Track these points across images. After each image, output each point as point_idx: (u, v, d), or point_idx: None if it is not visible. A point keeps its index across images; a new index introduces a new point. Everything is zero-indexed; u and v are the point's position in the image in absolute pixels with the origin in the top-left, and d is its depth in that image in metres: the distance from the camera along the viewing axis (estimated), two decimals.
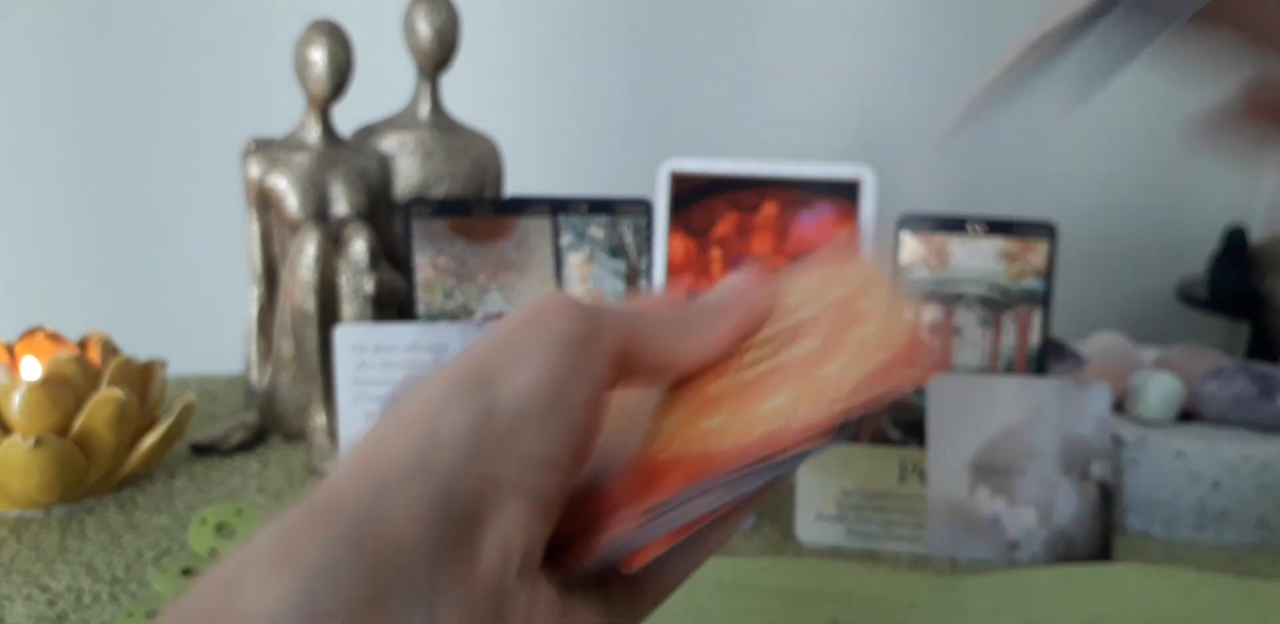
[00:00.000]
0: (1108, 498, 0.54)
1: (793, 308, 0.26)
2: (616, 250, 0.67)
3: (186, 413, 0.62)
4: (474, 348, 0.22)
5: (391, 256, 0.69)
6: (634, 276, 0.67)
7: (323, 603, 0.18)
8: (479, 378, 0.21)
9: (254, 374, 0.69)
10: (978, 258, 0.63)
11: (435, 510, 0.19)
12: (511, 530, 0.20)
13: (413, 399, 0.21)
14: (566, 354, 0.22)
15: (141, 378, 0.61)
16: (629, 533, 0.22)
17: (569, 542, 0.23)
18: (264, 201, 0.67)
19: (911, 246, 0.64)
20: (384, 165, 0.69)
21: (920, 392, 0.64)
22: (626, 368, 0.23)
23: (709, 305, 0.26)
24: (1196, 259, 1.24)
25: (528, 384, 0.21)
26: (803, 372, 0.23)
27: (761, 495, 0.25)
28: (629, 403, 0.26)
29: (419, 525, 0.19)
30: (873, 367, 0.22)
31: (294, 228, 0.66)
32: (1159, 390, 0.59)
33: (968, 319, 0.63)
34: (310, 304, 0.64)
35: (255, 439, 0.68)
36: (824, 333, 0.24)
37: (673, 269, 0.65)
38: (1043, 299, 0.63)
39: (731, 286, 0.27)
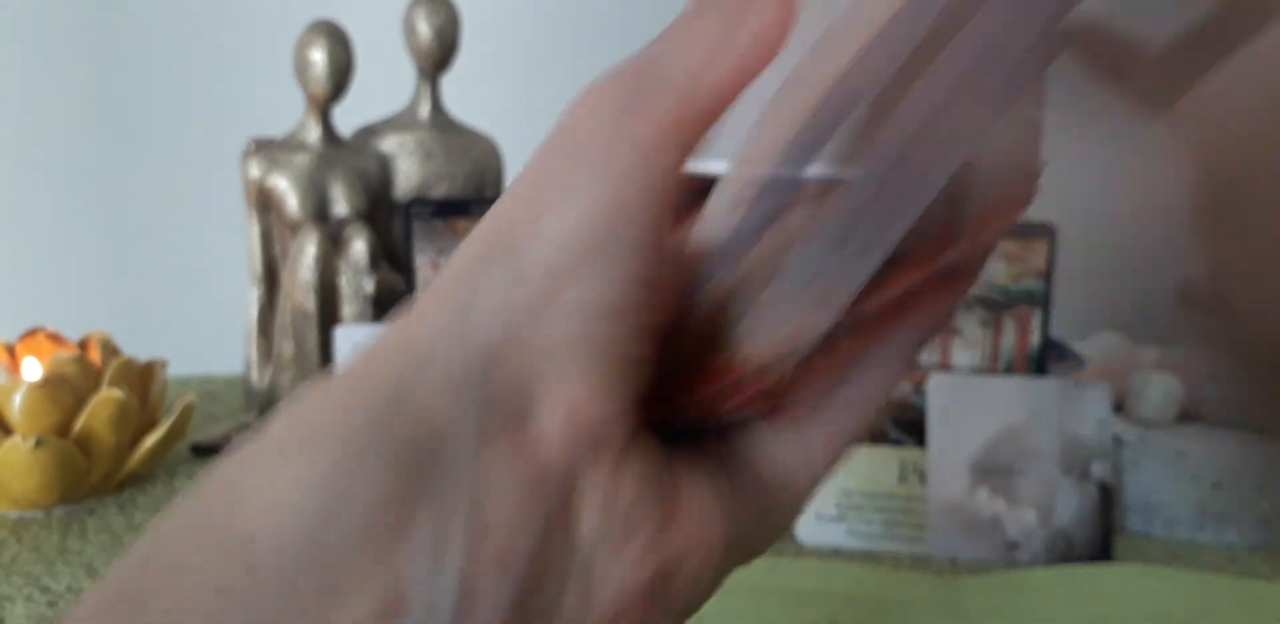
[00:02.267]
0: (1108, 498, 0.54)
1: None
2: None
3: (187, 413, 0.62)
4: (508, 197, 0.18)
5: (392, 257, 0.69)
6: None
7: (344, 496, 0.15)
8: (511, 233, 0.18)
9: (255, 375, 0.69)
10: None
11: (473, 386, 0.16)
12: (576, 398, 0.17)
13: (446, 272, 0.18)
14: (609, 183, 0.17)
15: (142, 378, 0.61)
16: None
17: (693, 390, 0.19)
18: (264, 202, 0.67)
19: None
20: (384, 166, 0.69)
21: (920, 392, 0.64)
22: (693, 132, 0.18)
23: None
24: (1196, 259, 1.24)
25: (564, 232, 0.17)
26: None
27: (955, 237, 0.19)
28: None
29: (456, 402, 0.16)
30: None
31: (294, 228, 0.66)
32: (1159, 391, 0.59)
33: (967, 320, 0.63)
34: (311, 305, 0.64)
35: None
36: None
37: None
38: (1043, 300, 0.63)
39: None
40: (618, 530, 0.17)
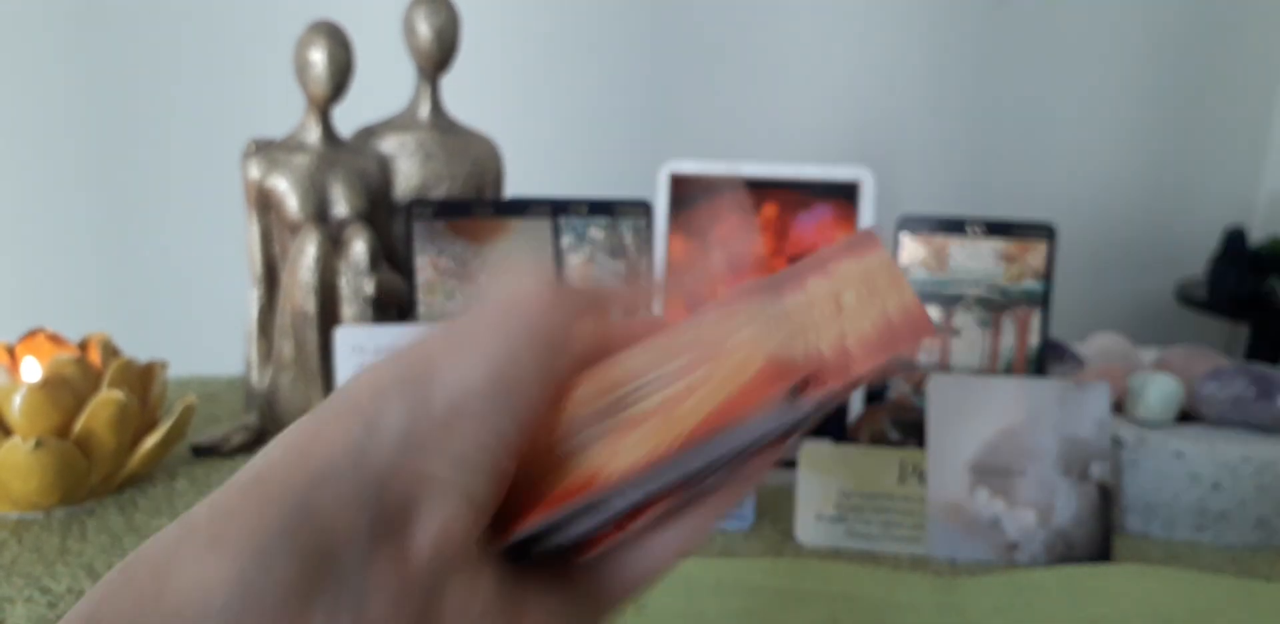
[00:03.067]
0: (1107, 499, 0.54)
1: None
2: (616, 251, 0.67)
3: (187, 414, 0.62)
4: (429, 337, 0.22)
5: (392, 258, 0.69)
6: (634, 277, 0.67)
7: (256, 587, 0.18)
8: (424, 368, 0.21)
9: (254, 376, 0.69)
10: (977, 259, 0.63)
11: (366, 503, 0.20)
12: (444, 524, 0.20)
13: (357, 385, 0.22)
14: (522, 346, 0.22)
15: (142, 379, 0.61)
16: (557, 514, 0.23)
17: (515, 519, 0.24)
18: (264, 203, 0.67)
19: (911, 248, 0.64)
20: (384, 166, 0.69)
21: (920, 392, 0.64)
22: (599, 351, 0.24)
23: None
24: (1196, 260, 1.25)
25: (472, 379, 0.21)
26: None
27: (733, 483, 0.25)
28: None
29: (351, 517, 0.20)
30: (866, 329, 0.23)
31: (294, 229, 0.66)
32: (1158, 391, 0.59)
33: (967, 320, 0.63)
34: (311, 306, 0.64)
35: (256, 441, 0.68)
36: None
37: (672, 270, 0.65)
38: (1042, 300, 0.63)
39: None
40: None
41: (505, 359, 0.22)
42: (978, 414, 0.55)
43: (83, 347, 0.62)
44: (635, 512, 0.24)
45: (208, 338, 0.87)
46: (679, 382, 0.23)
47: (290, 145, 0.67)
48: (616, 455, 0.23)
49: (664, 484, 0.23)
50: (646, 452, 0.22)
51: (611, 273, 0.66)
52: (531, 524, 0.23)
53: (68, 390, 0.56)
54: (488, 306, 0.23)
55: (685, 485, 0.24)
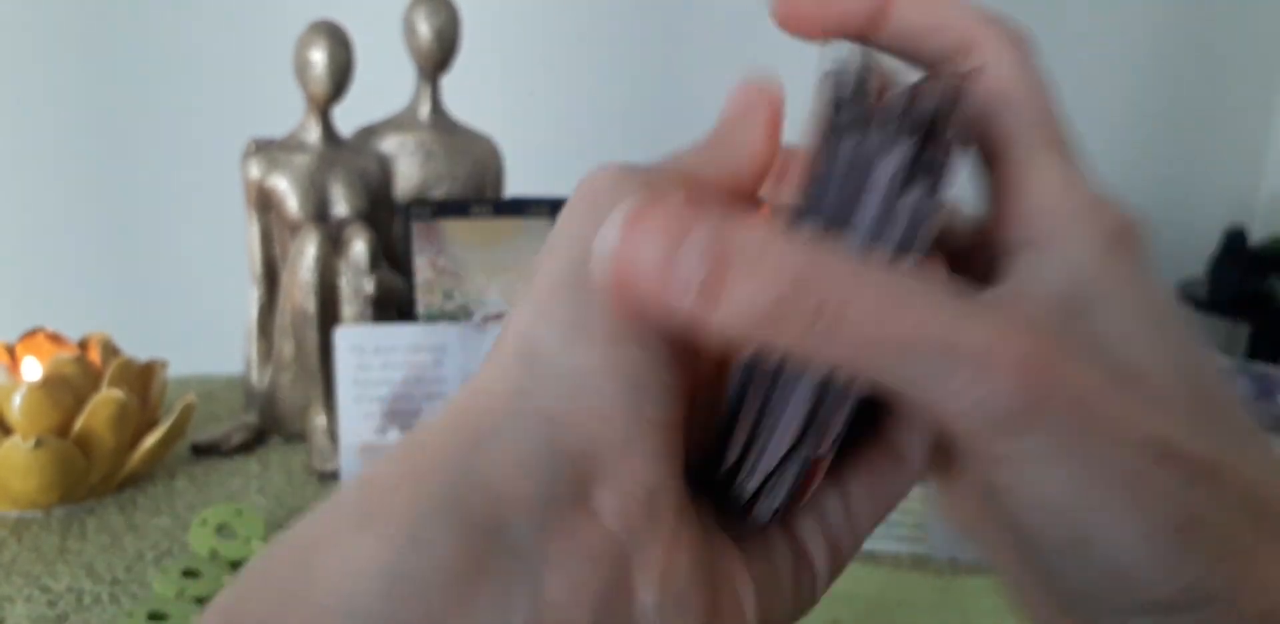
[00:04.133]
0: None
1: None
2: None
3: (187, 414, 0.62)
4: (555, 258, 0.18)
5: (391, 257, 0.69)
6: None
7: (414, 567, 0.16)
8: (572, 296, 0.18)
9: (254, 375, 0.69)
10: None
11: (541, 457, 0.17)
12: (632, 474, 0.17)
13: (505, 335, 0.18)
14: None
15: (142, 379, 0.61)
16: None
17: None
18: (264, 202, 0.67)
19: None
20: (384, 166, 0.69)
21: None
22: None
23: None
24: (1196, 259, 1.24)
25: None
26: None
27: None
28: None
29: (522, 478, 0.16)
30: None
31: (294, 229, 0.66)
32: None
33: None
34: (310, 305, 0.64)
35: (256, 440, 0.68)
36: None
37: None
38: None
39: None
40: (670, 610, 0.17)
41: None
42: None
43: (83, 346, 0.62)
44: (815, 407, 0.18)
45: (208, 337, 0.87)
46: None
47: (290, 145, 0.67)
48: None
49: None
50: None
51: None
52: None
53: (68, 390, 0.56)
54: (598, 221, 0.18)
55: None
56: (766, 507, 0.20)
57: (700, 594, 0.18)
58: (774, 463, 0.19)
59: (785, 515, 0.20)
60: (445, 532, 0.16)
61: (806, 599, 0.21)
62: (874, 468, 0.21)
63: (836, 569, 0.22)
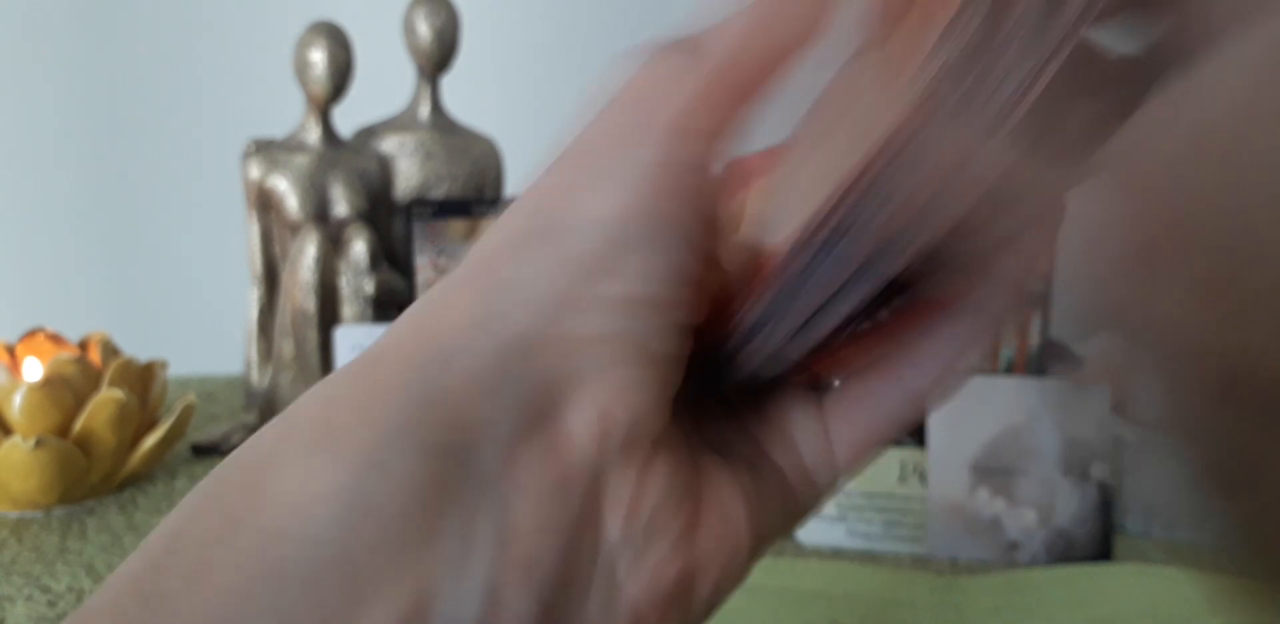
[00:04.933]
0: (1108, 498, 0.54)
1: None
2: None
3: (187, 414, 0.62)
4: (543, 180, 0.18)
5: (392, 258, 0.69)
6: None
7: (373, 495, 0.15)
8: (556, 210, 0.17)
9: (254, 375, 0.69)
10: None
11: (508, 378, 0.16)
12: (607, 397, 0.16)
13: (482, 244, 0.17)
14: (651, 173, 0.17)
15: (142, 379, 0.61)
16: (741, 316, 0.17)
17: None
18: (264, 203, 0.67)
19: None
20: (384, 166, 0.69)
21: None
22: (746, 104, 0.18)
23: None
24: None
25: (610, 215, 0.16)
26: None
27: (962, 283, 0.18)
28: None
29: (488, 397, 0.16)
30: None
31: (294, 229, 0.66)
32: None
33: None
34: (311, 305, 0.64)
35: None
36: None
37: None
38: (1042, 300, 0.63)
39: None
40: (641, 536, 0.17)
41: (646, 186, 0.16)
42: (978, 414, 0.55)
43: (83, 346, 0.62)
44: (847, 322, 0.17)
45: (208, 338, 0.87)
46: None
47: (290, 145, 0.67)
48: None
49: (856, 256, 0.16)
50: (819, 199, 0.16)
51: None
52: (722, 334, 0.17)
53: (68, 390, 0.56)
54: (606, 119, 0.17)
55: (888, 261, 0.17)
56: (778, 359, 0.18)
57: (673, 521, 0.17)
58: (803, 318, 0.17)
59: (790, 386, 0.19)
60: (408, 454, 0.15)
61: (803, 507, 0.20)
62: (870, 380, 0.20)
63: (834, 479, 0.21)
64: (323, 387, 0.16)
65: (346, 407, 0.16)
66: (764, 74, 0.17)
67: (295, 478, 0.15)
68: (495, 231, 0.17)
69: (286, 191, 0.66)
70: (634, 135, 0.17)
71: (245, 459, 0.16)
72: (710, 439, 0.19)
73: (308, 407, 0.16)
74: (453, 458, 0.15)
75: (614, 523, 0.16)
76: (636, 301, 0.16)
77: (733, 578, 0.19)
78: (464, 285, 0.17)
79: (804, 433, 0.20)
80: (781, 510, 0.20)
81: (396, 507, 0.15)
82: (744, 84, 0.17)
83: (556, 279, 0.16)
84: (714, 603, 0.19)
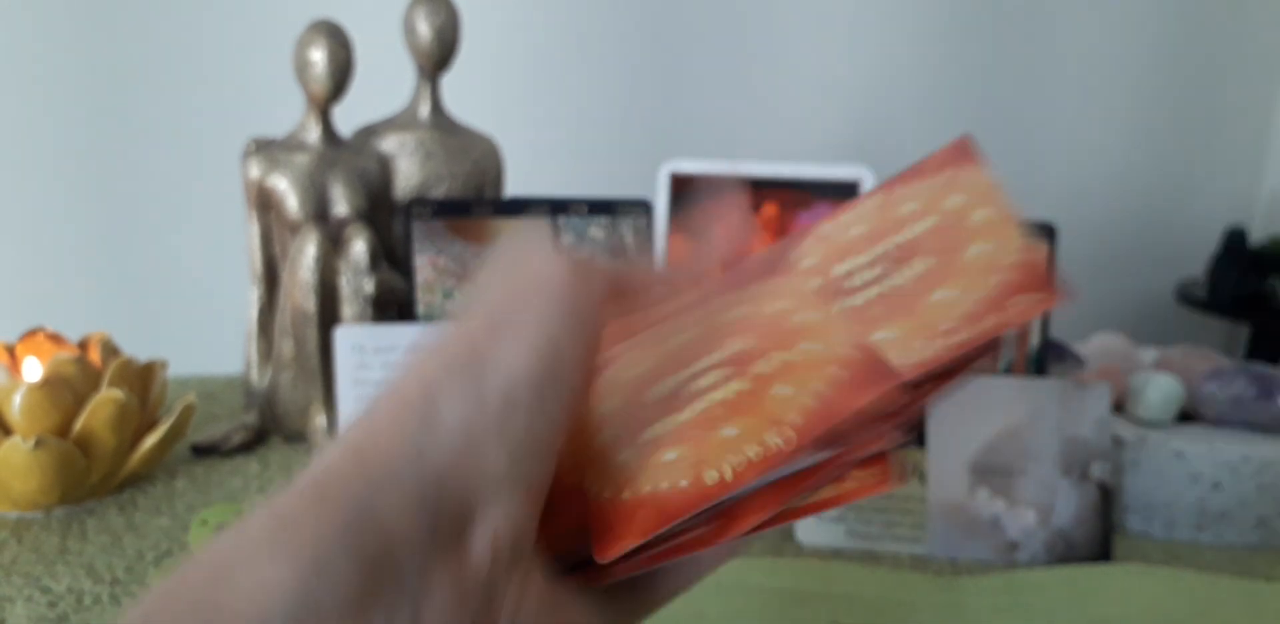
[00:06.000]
0: (1108, 499, 0.54)
1: (899, 222, 0.23)
2: (617, 251, 0.67)
3: (187, 414, 0.62)
4: (467, 322, 0.22)
5: (391, 257, 0.69)
6: None
7: (317, 594, 0.18)
8: (471, 358, 0.21)
9: (254, 375, 0.69)
10: None
11: (427, 505, 0.19)
12: (501, 523, 0.20)
13: (406, 381, 0.21)
14: (561, 326, 0.21)
15: (142, 379, 0.61)
16: (673, 525, 0.21)
17: (563, 526, 0.22)
18: (264, 202, 0.67)
19: None
20: (384, 166, 0.69)
21: None
22: (615, 309, 0.24)
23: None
24: (1196, 260, 1.24)
25: (520, 367, 0.20)
26: (910, 299, 0.21)
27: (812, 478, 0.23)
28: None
29: (412, 520, 0.19)
30: (989, 291, 0.20)
31: (294, 228, 0.66)
32: (1159, 391, 0.59)
33: None
34: (310, 305, 0.64)
35: (256, 440, 0.68)
36: (935, 252, 0.21)
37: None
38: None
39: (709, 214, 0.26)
40: None
41: (548, 343, 0.21)
42: (978, 414, 0.55)
43: (83, 346, 0.62)
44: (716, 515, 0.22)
45: (208, 338, 0.87)
46: (748, 369, 0.21)
47: (290, 145, 0.67)
48: (718, 457, 0.21)
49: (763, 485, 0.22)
50: (759, 453, 0.21)
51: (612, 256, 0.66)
52: (644, 534, 0.21)
53: (68, 390, 0.56)
54: (514, 282, 0.22)
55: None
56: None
57: (546, 619, 0.21)
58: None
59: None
60: (345, 562, 0.18)
61: (639, 618, 0.25)
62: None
63: (663, 604, 0.25)
64: (272, 503, 0.20)
65: (294, 522, 0.19)
66: (639, 292, 0.24)
67: (252, 578, 0.18)
68: (418, 365, 0.21)
69: (286, 191, 0.66)
70: (548, 295, 0.21)
71: (206, 560, 0.19)
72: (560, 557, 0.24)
73: (261, 519, 0.19)
74: (381, 568, 0.19)
75: (505, 620, 0.20)
76: (536, 442, 0.21)
77: None
78: (389, 418, 0.20)
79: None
80: (629, 613, 0.25)
81: (336, 606, 0.18)
82: (628, 291, 0.24)
83: (475, 416, 0.20)
84: None
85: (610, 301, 0.23)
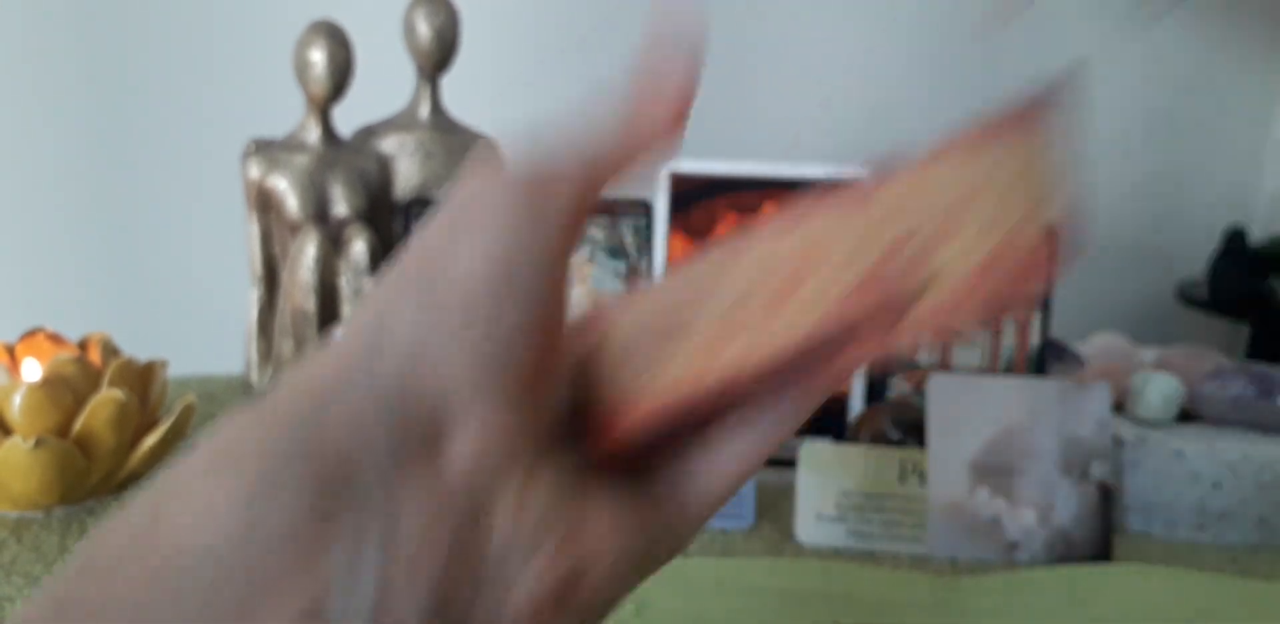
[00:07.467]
0: (1108, 498, 0.54)
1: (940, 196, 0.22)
2: (616, 251, 0.67)
3: (187, 414, 0.62)
4: (425, 232, 0.20)
5: (391, 258, 0.69)
6: (634, 278, 0.67)
7: (264, 516, 0.17)
8: (426, 265, 0.19)
9: (255, 375, 0.69)
10: None
11: (384, 419, 0.18)
12: (485, 417, 0.19)
13: (363, 301, 0.20)
14: (510, 228, 0.19)
15: (142, 379, 0.61)
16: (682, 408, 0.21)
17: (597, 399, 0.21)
18: (264, 202, 0.67)
19: None
20: (384, 166, 0.69)
21: (920, 392, 0.64)
22: (595, 190, 0.22)
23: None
24: (1196, 259, 1.24)
25: (473, 270, 0.19)
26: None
27: (820, 379, 0.22)
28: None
29: (367, 436, 0.18)
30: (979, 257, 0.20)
31: (294, 229, 0.66)
32: (1159, 391, 0.59)
33: None
34: (311, 305, 0.64)
35: None
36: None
37: None
38: (1042, 300, 0.63)
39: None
40: (526, 539, 0.19)
41: (498, 244, 0.19)
42: (978, 414, 0.55)
43: (83, 346, 0.62)
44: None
45: (208, 338, 0.87)
46: (763, 292, 0.21)
47: (290, 145, 0.67)
48: (733, 350, 0.21)
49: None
50: (771, 346, 0.20)
51: (612, 272, 0.66)
52: (651, 417, 0.21)
53: (68, 390, 0.56)
54: (460, 199, 0.20)
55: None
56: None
57: (558, 525, 0.19)
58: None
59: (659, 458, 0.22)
60: (294, 481, 0.17)
61: (683, 537, 0.23)
62: (745, 422, 0.23)
63: (708, 514, 0.23)
64: (217, 428, 0.19)
65: (238, 441, 0.18)
66: (607, 172, 0.22)
67: (194, 500, 0.17)
68: (376, 285, 0.20)
69: (286, 191, 0.66)
70: (502, 198, 0.19)
71: (151, 489, 0.18)
72: (602, 460, 0.22)
73: (203, 445, 0.18)
74: (333, 487, 0.17)
75: (501, 529, 0.19)
76: (505, 328, 0.19)
77: (615, 584, 0.21)
78: (343, 337, 0.20)
79: (686, 462, 0.23)
80: (667, 525, 0.22)
81: (285, 527, 0.17)
82: (592, 177, 0.21)
83: (429, 315, 0.19)
84: (601, 605, 0.20)
85: (590, 187, 0.21)
